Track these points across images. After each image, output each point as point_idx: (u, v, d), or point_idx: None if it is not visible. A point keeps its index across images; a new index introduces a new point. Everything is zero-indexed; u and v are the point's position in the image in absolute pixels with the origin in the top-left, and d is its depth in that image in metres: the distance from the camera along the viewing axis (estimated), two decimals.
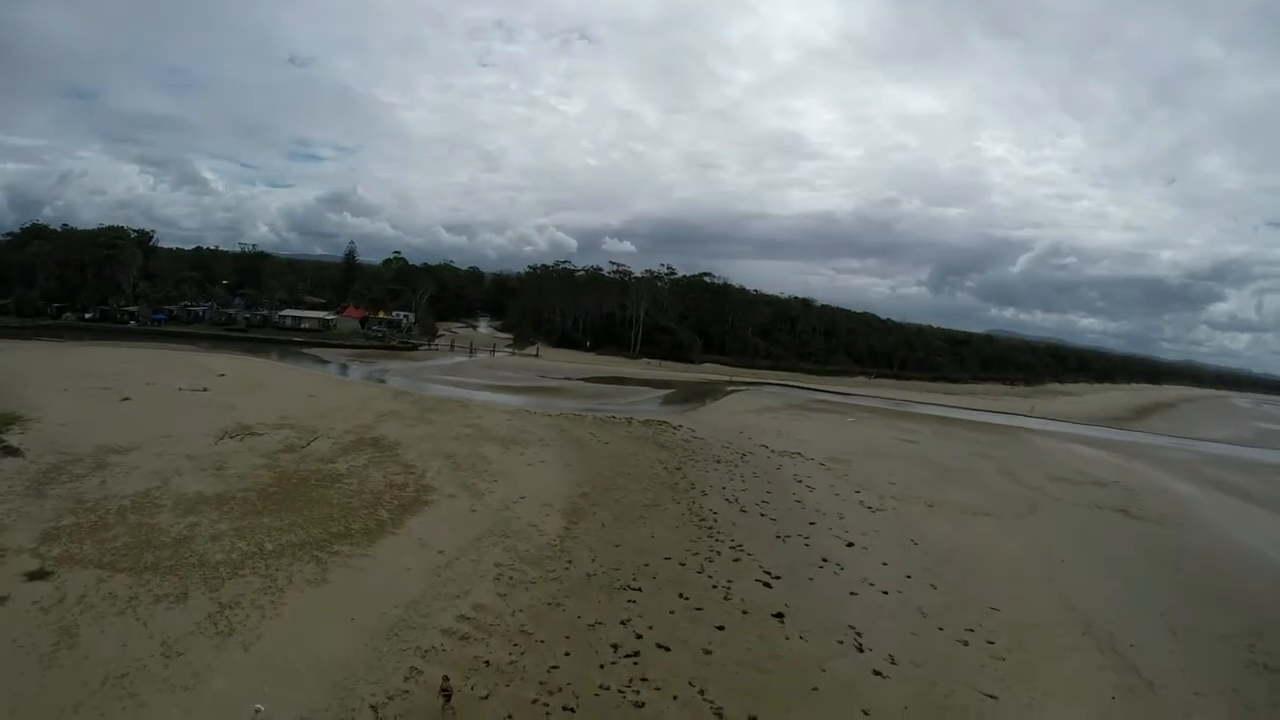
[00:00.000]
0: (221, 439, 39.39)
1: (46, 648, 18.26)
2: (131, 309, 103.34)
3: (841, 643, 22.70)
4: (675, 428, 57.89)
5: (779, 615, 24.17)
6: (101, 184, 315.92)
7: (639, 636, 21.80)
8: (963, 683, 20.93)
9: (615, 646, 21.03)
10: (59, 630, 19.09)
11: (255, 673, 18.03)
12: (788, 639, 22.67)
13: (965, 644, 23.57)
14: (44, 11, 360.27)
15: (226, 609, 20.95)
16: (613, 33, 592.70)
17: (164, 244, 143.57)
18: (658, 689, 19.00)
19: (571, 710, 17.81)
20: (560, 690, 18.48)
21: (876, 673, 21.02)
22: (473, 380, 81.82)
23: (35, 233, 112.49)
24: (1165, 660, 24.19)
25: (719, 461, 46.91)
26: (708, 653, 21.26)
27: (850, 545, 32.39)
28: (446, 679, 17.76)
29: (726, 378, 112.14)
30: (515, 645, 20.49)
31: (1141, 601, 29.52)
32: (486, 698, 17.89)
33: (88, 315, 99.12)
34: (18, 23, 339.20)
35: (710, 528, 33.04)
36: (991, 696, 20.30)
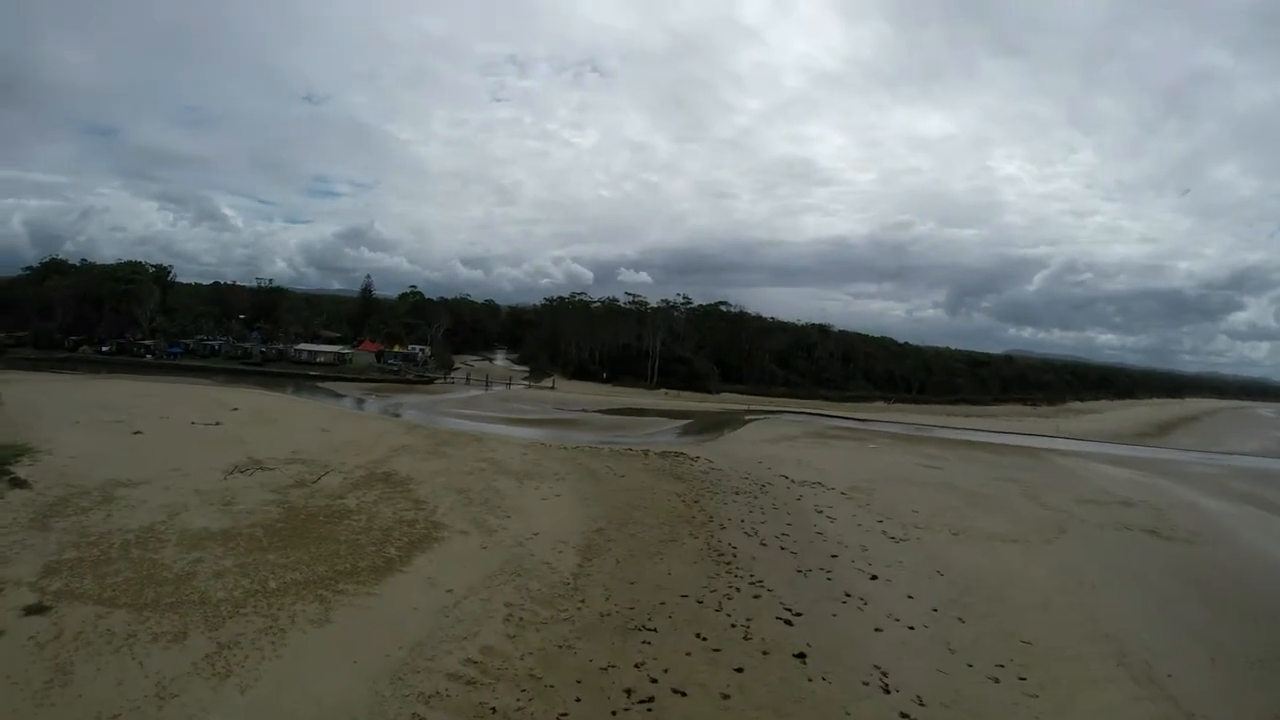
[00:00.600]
0: (231, 473, 38.88)
1: (40, 685, 17.65)
2: (148, 342, 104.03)
3: (867, 683, 21.51)
4: (693, 459, 56.85)
5: (801, 655, 22.99)
6: (122, 220, 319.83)
7: (654, 680, 20.70)
8: None
9: (629, 692, 19.94)
10: (54, 667, 18.49)
11: (252, 717, 17.30)
12: (810, 680, 21.50)
13: (996, 681, 22.34)
14: (64, 50, 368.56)
15: (225, 649, 20.20)
16: (624, 65, 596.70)
17: (184, 279, 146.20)
18: None
19: None
20: None
21: (904, 715, 19.81)
22: (488, 413, 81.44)
23: (54, 267, 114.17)
24: (1204, 689, 22.91)
25: (738, 493, 45.80)
26: (726, 697, 20.12)
27: (874, 578, 31.17)
28: None
29: (744, 406, 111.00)
30: (523, 690, 19.49)
31: (1176, 626, 28.23)
32: None
33: (104, 349, 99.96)
34: (38, 60, 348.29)
35: (729, 563, 31.93)
36: None
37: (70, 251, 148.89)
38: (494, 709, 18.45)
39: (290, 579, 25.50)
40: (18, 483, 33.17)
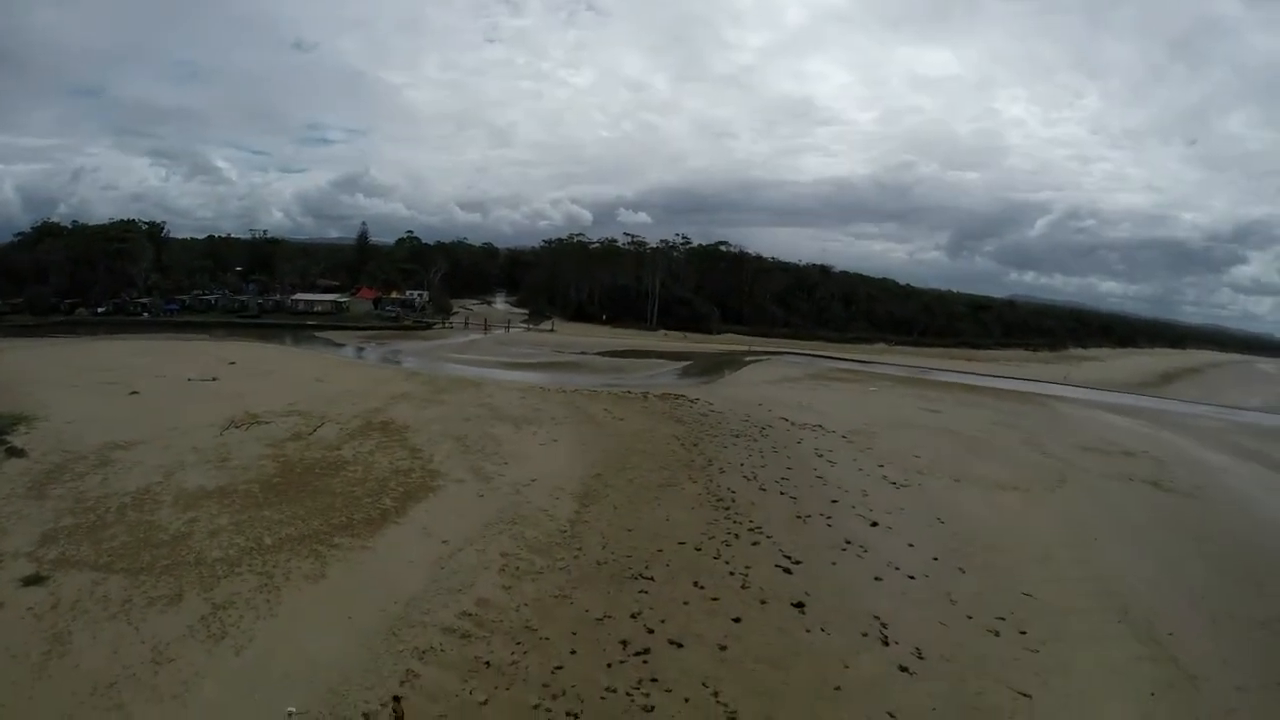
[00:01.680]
0: (227, 429, 38.61)
1: (38, 656, 17.59)
2: (144, 301, 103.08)
3: (866, 635, 21.38)
4: (692, 401, 56.58)
5: (799, 605, 22.86)
6: (114, 179, 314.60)
7: (650, 631, 20.60)
8: (994, 679, 19.54)
9: (624, 643, 19.84)
10: (52, 637, 18.43)
11: (246, 678, 17.25)
12: (808, 631, 21.39)
13: (996, 634, 22.17)
14: (45, 10, 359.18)
15: (220, 610, 20.14)
16: (620, 1, 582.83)
17: (180, 234, 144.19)
18: (668, 691, 17.85)
19: (575, 716, 16.74)
20: (564, 694, 17.40)
21: (903, 669, 19.69)
22: (486, 357, 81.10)
23: (46, 230, 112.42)
24: (1205, 650, 22.55)
25: (737, 436, 45.58)
26: (723, 649, 20.01)
27: (874, 525, 30.98)
28: (397, 700, 16.68)
29: (745, 348, 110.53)
30: (518, 644, 19.40)
31: (1177, 584, 27.83)
32: (485, 703, 16.88)
33: (100, 310, 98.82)
34: (20, 23, 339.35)
35: (728, 508, 31.76)
36: (1025, 695, 18.88)
37: (63, 214, 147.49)
38: (488, 663, 18.37)
39: (285, 535, 25.40)
40: (14, 451, 32.91)
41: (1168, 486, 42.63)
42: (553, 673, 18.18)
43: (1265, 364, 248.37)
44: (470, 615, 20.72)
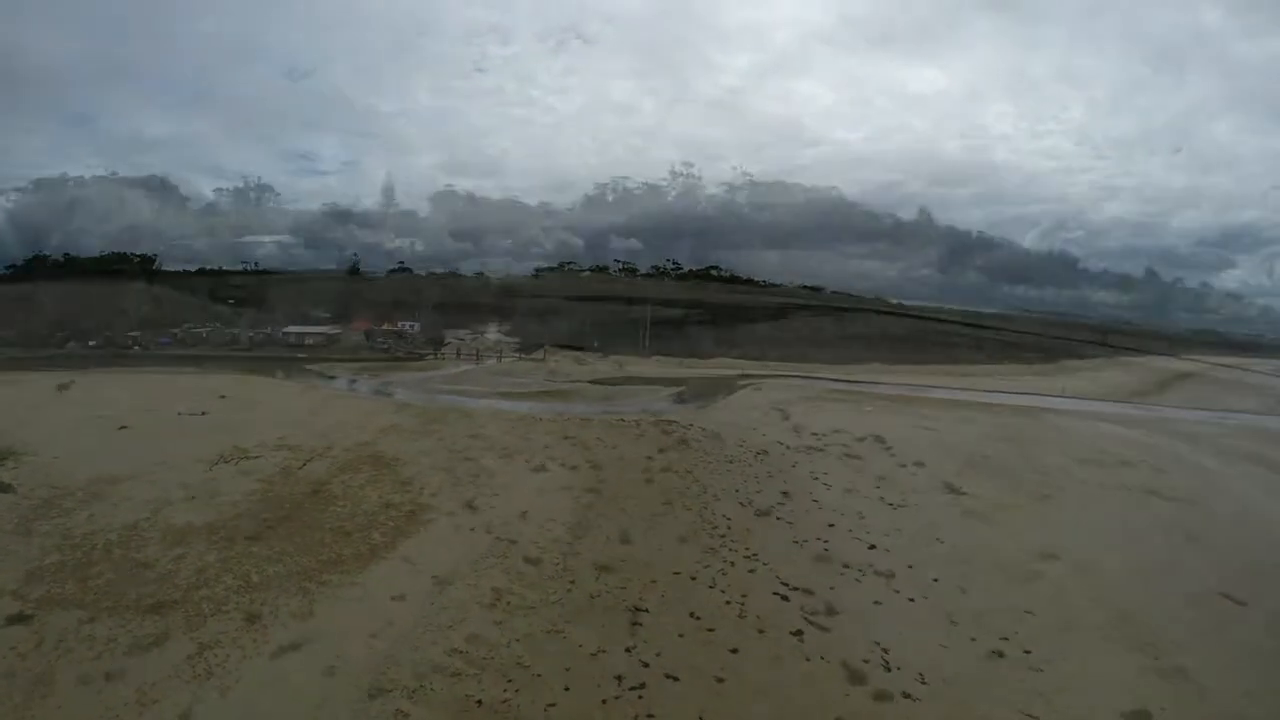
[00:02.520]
0: (216, 464, 38.11)
1: (21, 698, 17.32)
2: (135, 334, 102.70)
3: (867, 661, 20.98)
4: (685, 427, 55.98)
5: (798, 633, 22.50)
6: (106, 209, 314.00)
7: (645, 665, 20.20)
8: (999, 701, 19.19)
9: (619, 678, 19.45)
10: (35, 678, 18.16)
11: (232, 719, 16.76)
12: (808, 660, 21.01)
13: (1000, 655, 21.78)
14: (39, 38, 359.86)
15: (206, 650, 19.80)
16: (607, 28, 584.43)
17: (171, 266, 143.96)
18: None
19: None
20: None
21: (906, 695, 19.31)
22: (478, 388, 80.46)
23: (37, 263, 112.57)
24: (1211, 659, 22.17)
25: (732, 461, 45.05)
26: (720, 681, 19.62)
27: (872, 548, 30.55)
28: None
29: (739, 371, 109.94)
30: (510, 681, 19.00)
31: (1179, 593, 27.35)
32: None
33: (92, 343, 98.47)
34: (13, 50, 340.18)
35: (723, 535, 31.30)
36: (1032, 716, 18.54)
37: (55, 245, 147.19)
38: (480, 702, 17.99)
39: (273, 572, 25.04)
40: (1, 487, 32.53)
41: (1166, 494, 41.99)
42: (546, 710, 17.81)
43: (1259, 366, 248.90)
44: (461, 652, 20.33)
